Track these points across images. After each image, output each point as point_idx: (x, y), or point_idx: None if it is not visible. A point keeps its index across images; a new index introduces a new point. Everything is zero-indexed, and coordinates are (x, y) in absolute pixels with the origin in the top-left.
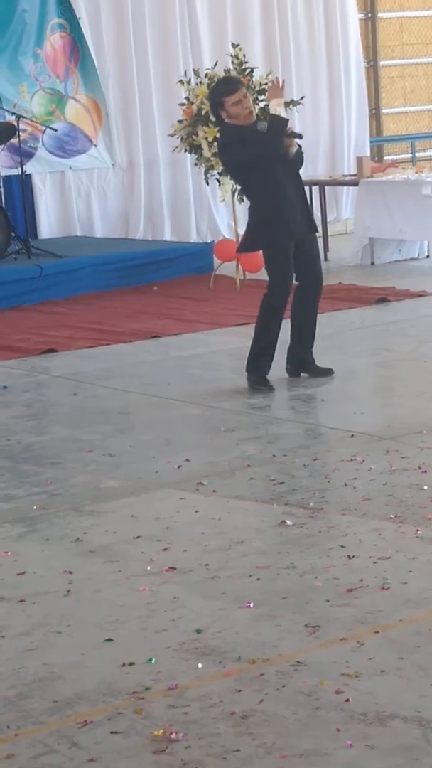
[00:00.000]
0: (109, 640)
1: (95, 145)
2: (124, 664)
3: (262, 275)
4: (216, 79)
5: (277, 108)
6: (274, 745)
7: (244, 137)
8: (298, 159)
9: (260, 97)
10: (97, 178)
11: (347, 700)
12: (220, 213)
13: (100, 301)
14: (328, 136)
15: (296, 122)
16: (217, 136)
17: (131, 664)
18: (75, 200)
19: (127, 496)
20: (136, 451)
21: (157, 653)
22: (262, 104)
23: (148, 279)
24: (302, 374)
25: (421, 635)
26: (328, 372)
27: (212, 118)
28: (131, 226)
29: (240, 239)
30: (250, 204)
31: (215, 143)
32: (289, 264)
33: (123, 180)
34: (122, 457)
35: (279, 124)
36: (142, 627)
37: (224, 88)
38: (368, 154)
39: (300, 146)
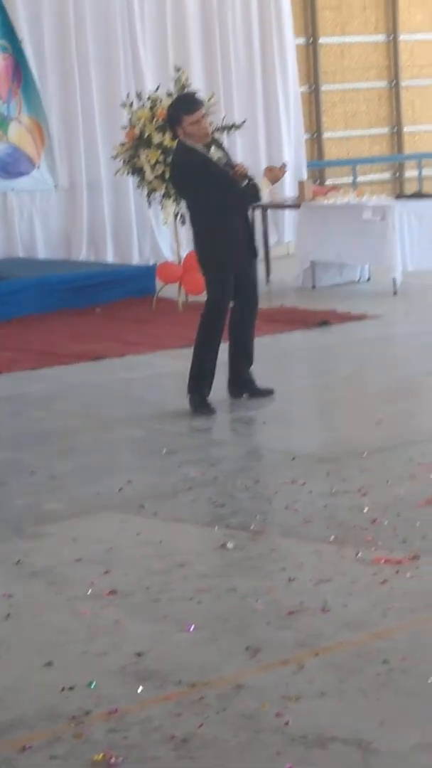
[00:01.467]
0: (49, 663)
1: (38, 167)
2: (64, 689)
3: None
4: (159, 102)
5: (264, 188)
6: None
7: (203, 165)
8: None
9: None
10: (39, 200)
11: (287, 723)
12: (163, 235)
13: (42, 322)
14: (266, 159)
15: (237, 145)
16: (167, 156)
17: (71, 688)
18: (17, 222)
19: (68, 518)
20: (78, 473)
21: (98, 677)
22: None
23: (90, 301)
24: (243, 395)
25: (360, 657)
26: (268, 392)
27: (155, 141)
28: (74, 247)
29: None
30: (195, 225)
31: (157, 166)
32: (228, 288)
33: (65, 202)
34: (64, 479)
35: (250, 194)
36: (82, 650)
37: (184, 105)
38: (306, 177)
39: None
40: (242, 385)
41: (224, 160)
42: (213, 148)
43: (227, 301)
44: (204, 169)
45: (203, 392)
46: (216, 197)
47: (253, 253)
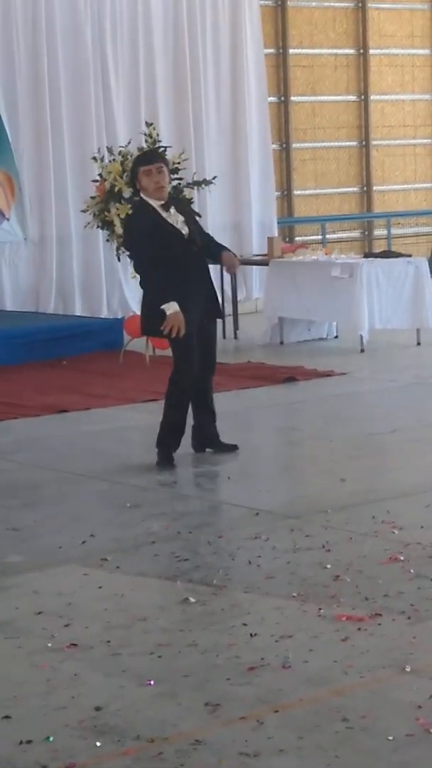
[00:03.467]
0: (7, 717)
1: (7, 219)
2: (21, 742)
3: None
4: (130, 156)
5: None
6: None
7: (150, 230)
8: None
9: (172, 176)
10: (9, 252)
11: None
12: (131, 289)
13: (8, 374)
14: (233, 215)
15: (207, 201)
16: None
17: (29, 741)
18: None
19: (30, 571)
20: (41, 525)
21: (56, 731)
22: (175, 183)
23: (57, 353)
24: (207, 450)
25: (320, 714)
26: (232, 448)
27: (125, 195)
28: (42, 300)
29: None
30: (149, 287)
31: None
32: (193, 349)
33: (35, 254)
34: (27, 532)
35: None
36: (41, 704)
37: (140, 158)
38: (275, 234)
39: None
40: (206, 439)
41: (185, 223)
42: (173, 210)
43: (194, 363)
44: (150, 229)
45: (169, 449)
46: (165, 257)
47: (216, 314)
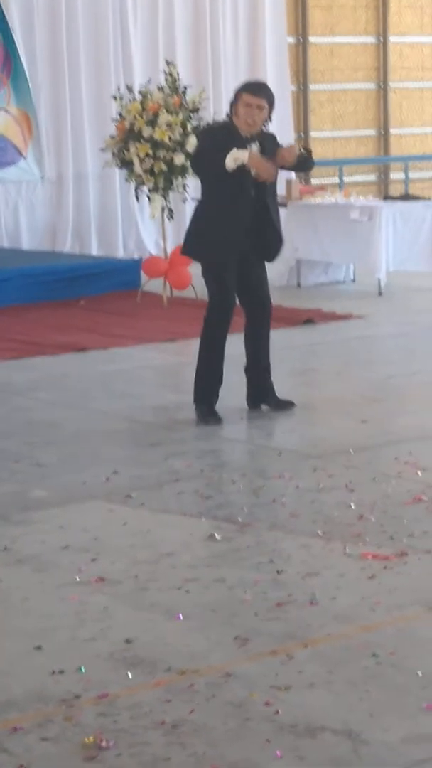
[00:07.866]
0: (39, 648)
1: (25, 158)
2: (53, 672)
3: (189, 292)
4: (150, 96)
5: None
6: (204, 755)
7: (223, 146)
8: (300, 166)
9: (192, 115)
10: (25, 191)
11: (277, 712)
12: (147, 229)
13: (26, 313)
14: None
15: None
16: (156, 150)
17: (61, 672)
18: (2, 212)
19: (55, 506)
20: (64, 462)
21: (87, 662)
22: (195, 122)
23: (74, 293)
24: (263, 406)
25: (349, 650)
26: (289, 405)
27: (145, 135)
28: (58, 239)
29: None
30: (203, 204)
31: (146, 159)
32: (226, 282)
33: (51, 193)
34: (50, 468)
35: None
36: (71, 636)
37: (249, 86)
38: (293, 176)
39: (305, 155)
40: (260, 395)
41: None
42: (255, 146)
43: (227, 299)
44: (223, 145)
45: (210, 400)
46: (223, 182)
47: (265, 254)
